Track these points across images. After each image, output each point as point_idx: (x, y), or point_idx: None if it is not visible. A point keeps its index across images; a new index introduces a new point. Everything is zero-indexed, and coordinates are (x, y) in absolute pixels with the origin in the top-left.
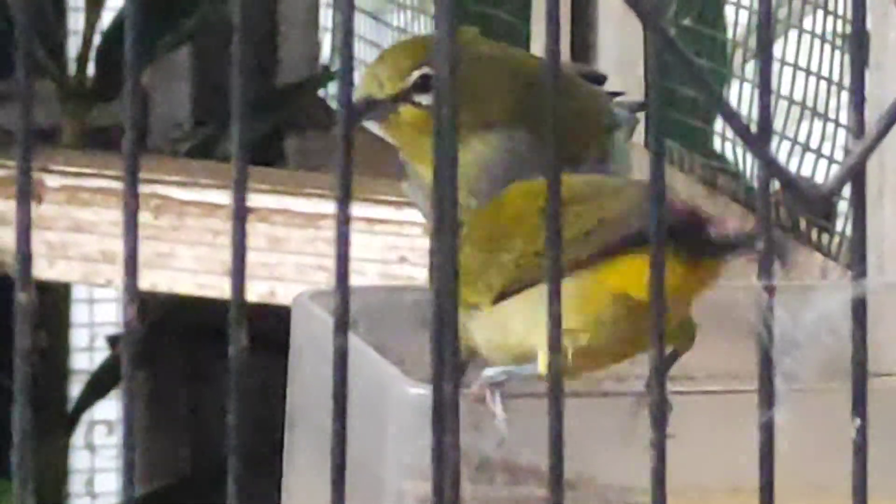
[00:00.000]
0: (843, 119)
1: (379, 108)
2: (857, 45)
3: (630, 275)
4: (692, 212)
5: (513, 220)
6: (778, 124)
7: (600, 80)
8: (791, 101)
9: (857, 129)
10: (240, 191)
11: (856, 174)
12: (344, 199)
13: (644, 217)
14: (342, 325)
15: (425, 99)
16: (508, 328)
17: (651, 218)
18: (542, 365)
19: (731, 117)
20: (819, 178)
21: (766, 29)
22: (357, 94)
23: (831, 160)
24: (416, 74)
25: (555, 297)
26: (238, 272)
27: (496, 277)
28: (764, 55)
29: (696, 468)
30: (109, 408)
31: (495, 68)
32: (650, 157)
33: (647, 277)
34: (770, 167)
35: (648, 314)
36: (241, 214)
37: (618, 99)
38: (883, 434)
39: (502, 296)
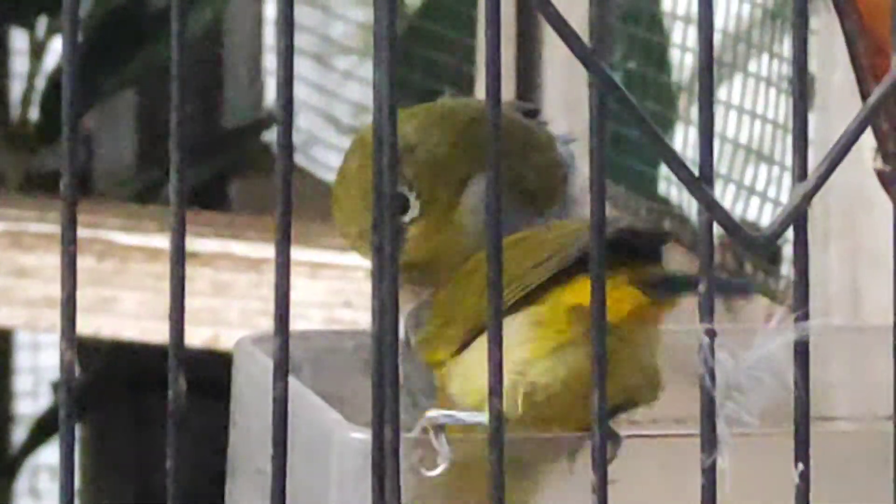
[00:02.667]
0: (789, 162)
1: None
2: (800, 88)
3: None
4: (647, 231)
5: (466, 276)
6: (723, 167)
7: (533, 113)
8: (737, 145)
9: (800, 172)
10: (179, 239)
11: (798, 217)
12: (283, 243)
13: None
14: (282, 371)
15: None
16: (469, 376)
17: (592, 256)
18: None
19: (673, 160)
20: (765, 222)
21: (706, 72)
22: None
23: (777, 204)
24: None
25: (495, 344)
26: (177, 317)
27: (455, 330)
28: (705, 98)
29: None
30: (54, 453)
31: (456, 124)
32: (591, 199)
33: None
34: (711, 210)
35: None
36: (180, 260)
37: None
38: (826, 479)
39: (463, 346)
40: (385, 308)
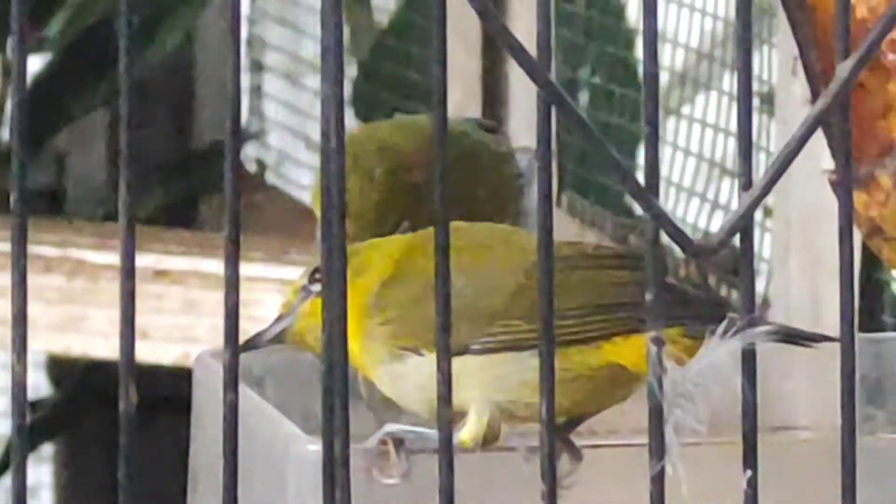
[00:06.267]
0: (755, 176)
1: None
2: (744, 101)
3: (628, 353)
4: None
5: (485, 269)
6: (689, 181)
7: (493, 129)
8: (702, 159)
9: (745, 181)
10: (128, 260)
11: (744, 226)
12: (232, 258)
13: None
14: (232, 383)
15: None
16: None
17: (541, 272)
18: (466, 433)
19: (620, 171)
20: None
21: (651, 80)
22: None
23: None
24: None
25: (444, 355)
26: (127, 333)
27: (465, 329)
28: (651, 109)
29: None
30: (29, 474)
31: (380, 175)
32: (538, 207)
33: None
34: (658, 220)
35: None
36: (130, 279)
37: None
38: (782, 487)
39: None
40: (334, 322)
